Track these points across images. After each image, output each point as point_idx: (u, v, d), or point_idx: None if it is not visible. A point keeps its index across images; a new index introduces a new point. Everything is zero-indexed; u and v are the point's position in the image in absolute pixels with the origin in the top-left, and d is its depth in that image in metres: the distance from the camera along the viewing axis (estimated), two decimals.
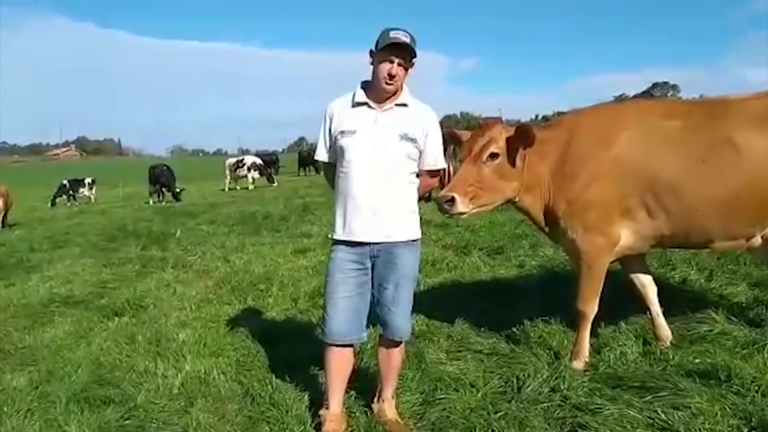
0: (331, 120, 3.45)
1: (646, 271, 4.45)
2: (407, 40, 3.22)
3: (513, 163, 3.91)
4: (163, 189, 23.57)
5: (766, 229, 3.98)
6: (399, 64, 3.24)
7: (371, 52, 3.32)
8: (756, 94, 4.06)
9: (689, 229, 3.96)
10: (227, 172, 27.94)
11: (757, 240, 4.04)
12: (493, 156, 3.86)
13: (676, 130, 3.92)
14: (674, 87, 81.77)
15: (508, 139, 3.89)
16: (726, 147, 3.81)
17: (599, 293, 4.04)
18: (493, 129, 3.95)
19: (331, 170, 3.53)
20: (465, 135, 4.10)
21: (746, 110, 3.92)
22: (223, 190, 26.84)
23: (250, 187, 26.86)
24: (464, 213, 3.85)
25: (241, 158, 29.30)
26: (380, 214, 3.31)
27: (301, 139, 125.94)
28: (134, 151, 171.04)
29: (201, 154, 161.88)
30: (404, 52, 3.24)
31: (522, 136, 3.84)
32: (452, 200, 3.74)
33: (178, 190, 23.20)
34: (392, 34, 3.22)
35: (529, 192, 4.06)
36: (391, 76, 3.23)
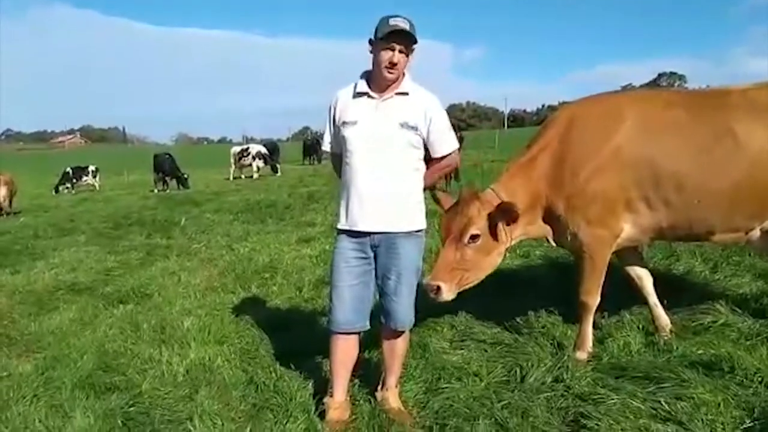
0: (335, 110, 3.45)
1: (642, 263, 4.44)
2: (407, 26, 3.19)
3: (496, 237, 3.75)
4: (167, 178, 23.59)
5: (765, 222, 3.97)
6: (400, 51, 3.21)
7: (370, 41, 3.30)
8: (756, 85, 4.04)
9: (689, 222, 3.94)
10: (232, 160, 27.95)
11: (756, 233, 4.03)
12: (474, 237, 3.69)
13: (676, 120, 3.89)
14: (681, 77, 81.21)
15: (489, 215, 3.70)
16: (726, 138, 3.79)
17: (601, 284, 4.04)
18: (470, 207, 3.70)
19: (337, 160, 3.54)
20: (446, 200, 3.89)
21: (746, 101, 3.90)
22: (228, 178, 26.87)
23: (255, 175, 26.88)
24: (453, 298, 3.75)
25: (246, 147, 29.26)
26: (381, 204, 3.31)
27: (306, 128, 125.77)
28: (138, 139, 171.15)
29: (205, 143, 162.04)
30: (405, 39, 3.22)
31: (504, 213, 3.68)
32: (438, 289, 3.62)
33: (185, 176, 23.23)
34: (392, 21, 3.19)
35: (519, 224, 3.90)
36: (393, 64, 3.21)
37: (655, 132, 3.87)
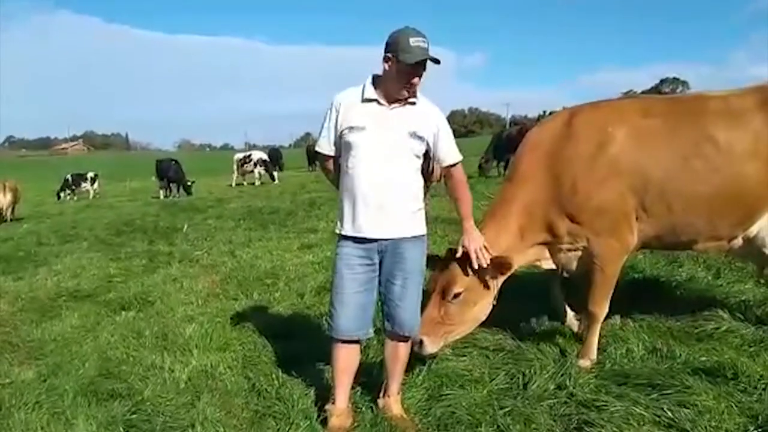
0: (338, 113, 3.38)
1: None
2: (430, 52, 3.17)
3: (486, 286, 3.76)
4: (171, 184, 23.56)
5: (748, 230, 3.96)
6: (419, 75, 3.23)
7: (388, 57, 3.20)
8: (736, 91, 4.03)
9: (674, 230, 3.93)
10: (234, 167, 28.03)
11: (739, 241, 4.02)
12: (457, 295, 3.72)
13: (659, 128, 3.89)
14: (684, 83, 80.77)
15: (478, 269, 3.65)
16: (708, 145, 3.78)
17: (610, 295, 4.02)
18: (454, 266, 3.73)
19: (331, 163, 3.53)
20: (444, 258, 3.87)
21: (726, 107, 3.89)
22: (231, 185, 26.93)
23: (257, 182, 26.94)
24: (436, 352, 3.81)
25: (248, 154, 29.34)
26: (388, 210, 3.30)
27: (307, 134, 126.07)
28: (141, 145, 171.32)
29: (208, 149, 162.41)
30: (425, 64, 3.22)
31: (497, 268, 3.68)
32: (421, 343, 3.66)
33: (189, 183, 23.21)
34: (413, 42, 3.12)
35: (516, 256, 3.90)
36: (412, 85, 3.23)
37: (641, 140, 3.86)
